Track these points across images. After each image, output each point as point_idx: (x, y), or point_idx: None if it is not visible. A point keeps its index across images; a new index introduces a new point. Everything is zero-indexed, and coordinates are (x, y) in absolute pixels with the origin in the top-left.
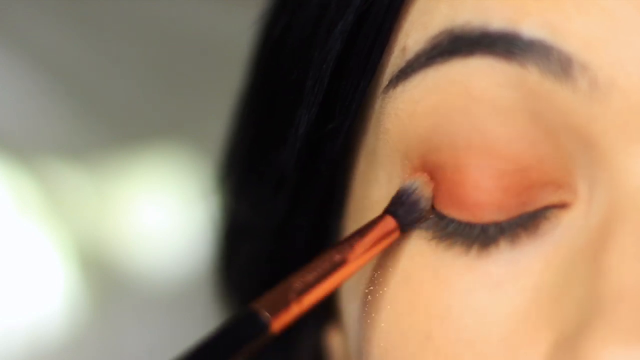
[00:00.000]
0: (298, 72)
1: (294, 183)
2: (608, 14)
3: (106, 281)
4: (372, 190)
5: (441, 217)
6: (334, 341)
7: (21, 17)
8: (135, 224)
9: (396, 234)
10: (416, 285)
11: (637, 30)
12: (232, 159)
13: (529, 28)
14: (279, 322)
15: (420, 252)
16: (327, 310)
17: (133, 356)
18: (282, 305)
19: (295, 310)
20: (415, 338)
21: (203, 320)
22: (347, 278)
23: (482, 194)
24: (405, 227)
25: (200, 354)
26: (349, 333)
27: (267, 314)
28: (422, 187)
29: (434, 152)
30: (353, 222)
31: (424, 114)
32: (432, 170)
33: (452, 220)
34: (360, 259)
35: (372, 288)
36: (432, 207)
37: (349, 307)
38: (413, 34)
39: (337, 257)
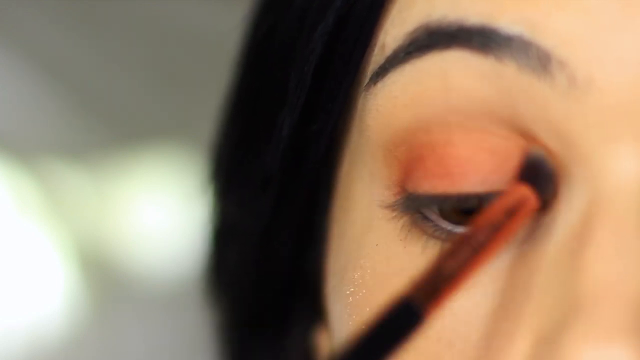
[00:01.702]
0: (281, 73)
1: (279, 183)
2: (589, 12)
3: (106, 281)
4: (355, 189)
5: (414, 198)
6: (323, 341)
7: (21, 17)
8: (135, 224)
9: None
10: (392, 288)
11: (618, 30)
12: (219, 158)
13: (507, 23)
14: (433, 309)
15: (395, 254)
16: (316, 310)
17: (133, 356)
18: (435, 293)
19: (447, 295)
20: None
21: (203, 320)
22: (490, 259)
23: (466, 163)
24: (544, 203)
25: (362, 350)
26: (334, 334)
27: (421, 303)
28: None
29: (416, 136)
30: (337, 222)
31: (403, 107)
32: (415, 151)
33: (427, 217)
34: (503, 240)
35: (352, 290)
36: (406, 191)
37: (334, 307)
38: (391, 30)
39: (481, 238)
